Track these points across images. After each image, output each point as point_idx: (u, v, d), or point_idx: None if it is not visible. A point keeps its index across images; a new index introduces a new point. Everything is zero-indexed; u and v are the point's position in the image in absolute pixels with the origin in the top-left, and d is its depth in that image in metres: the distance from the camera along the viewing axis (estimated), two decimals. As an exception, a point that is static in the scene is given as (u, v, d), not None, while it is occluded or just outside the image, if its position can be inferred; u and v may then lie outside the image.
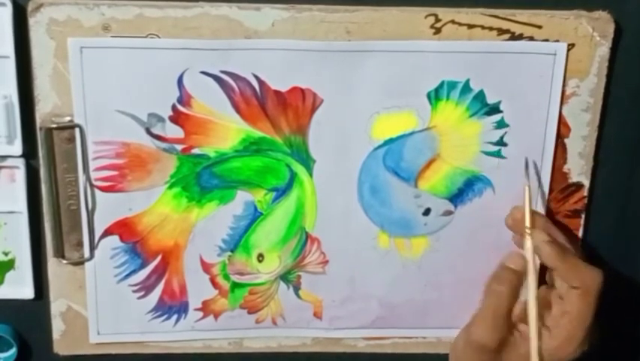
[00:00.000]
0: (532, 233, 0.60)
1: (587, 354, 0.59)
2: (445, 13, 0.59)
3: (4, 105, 0.59)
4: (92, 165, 0.61)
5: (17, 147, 0.60)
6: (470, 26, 0.60)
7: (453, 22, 0.59)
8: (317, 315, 0.67)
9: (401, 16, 0.59)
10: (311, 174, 0.63)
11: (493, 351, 0.59)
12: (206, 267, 0.65)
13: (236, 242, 0.64)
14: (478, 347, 0.59)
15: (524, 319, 0.60)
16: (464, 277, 0.66)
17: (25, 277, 0.64)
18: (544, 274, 0.62)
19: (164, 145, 0.61)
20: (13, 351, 0.67)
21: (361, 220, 0.64)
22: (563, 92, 0.62)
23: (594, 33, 0.60)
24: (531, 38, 0.60)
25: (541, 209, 0.64)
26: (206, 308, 0.66)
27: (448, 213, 0.64)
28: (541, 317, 0.59)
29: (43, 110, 0.60)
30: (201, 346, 0.68)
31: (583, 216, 0.65)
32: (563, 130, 0.63)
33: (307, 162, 0.63)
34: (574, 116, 0.62)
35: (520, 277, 0.59)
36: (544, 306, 0.60)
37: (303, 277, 0.66)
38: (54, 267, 0.64)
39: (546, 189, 0.64)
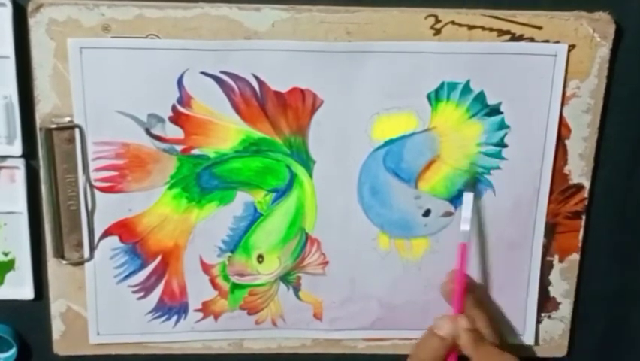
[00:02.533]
0: (456, 318, 0.61)
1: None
2: (445, 14, 0.59)
3: (4, 105, 0.59)
4: (92, 165, 0.61)
5: (17, 148, 0.60)
6: (470, 27, 0.60)
7: (453, 22, 0.59)
8: (317, 316, 0.67)
9: (401, 17, 0.59)
10: (311, 175, 0.63)
11: None
12: (206, 268, 0.65)
13: (236, 243, 0.64)
14: None
15: None
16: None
17: (25, 277, 0.64)
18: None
19: (164, 146, 0.61)
20: (13, 351, 0.66)
21: (361, 221, 0.64)
22: (564, 93, 0.62)
23: (594, 34, 0.60)
24: (531, 39, 0.60)
25: (542, 211, 0.64)
26: (206, 309, 0.66)
27: (448, 214, 0.64)
28: None
29: (43, 110, 0.60)
30: (201, 347, 0.67)
31: (583, 217, 0.65)
32: (563, 131, 0.63)
33: (307, 163, 0.63)
34: (574, 117, 0.62)
35: (445, 344, 0.60)
36: None
37: (303, 278, 0.66)
38: (54, 267, 0.64)
39: (547, 190, 0.64)
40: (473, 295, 0.63)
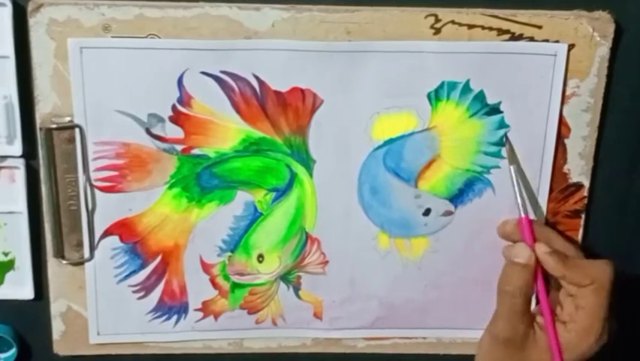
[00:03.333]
0: (532, 245, 0.60)
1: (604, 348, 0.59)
2: (445, 14, 0.59)
3: (4, 105, 0.59)
4: (92, 165, 0.61)
5: (17, 148, 0.60)
6: (470, 26, 0.60)
7: (453, 22, 0.59)
8: (317, 315, 0.67)
9: (401, 17, 0.59)
10: (311, 175, 0.63)
11: (518, 344, 0.59)
12: (206, 267, 0.65)
13: (237, 242, 0.64)
14: (503, 342, 0.59)
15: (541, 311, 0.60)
16: (464, 278, 0.66)
17: (25, 277, 0.64)
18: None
19: (164, 145, 0.61)
20: (13, 351, 0.66)
21: (361, 221, 0.64)
22: (563, 92, 0.62)
23: (594, 33, 0.60)
24: (531, 39, 0.60)
25: (542, 209, 0.64)
26: (206, 309, 0.66)
27: (449, 213, 0.64)
28: (554, 313, 0.60)
29: (43, 110, 0.60)
30: (201, 346, 0.67)
31: (583, 216, 0.65)
32: (563, 130, 0.63)
33: (307, 163, 0.63)
34: (574, 116, 0.62)
35: (529, 270, 0.59)
36: (555, 303, 0.60)
37: (303, 278, 0.66)
38: (54, 267, 0.64)
39: (546, 189, 0.64)
40: (540, 226, 0.62)
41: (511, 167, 0.62)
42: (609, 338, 0.59)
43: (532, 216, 0.64)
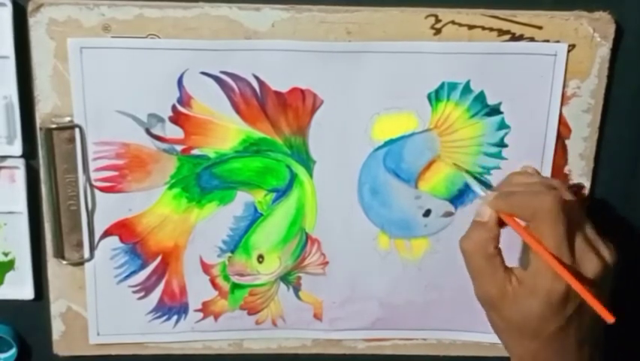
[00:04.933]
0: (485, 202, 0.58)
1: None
2: (446, 14, 0.59)
3: (4, 105, 0.59)
4: (92, 165, 0.61)
5: (17, 148, 0.61)
6: (470, 27, 0.60)
7: (453, 22, 0.59)
8: (317, 316, 0.67)
9: (401, 17, 0.59)
10: (311, 175, 0.63)
11: (496, 303, 0.56)
12: (206, 268, 0.65)
13: (237, 243, 0.64)
14: (483, 303, 0.57)
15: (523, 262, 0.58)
16: (464, 279, 0.65)
17: (25, 277, 0.64)
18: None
19: (164, 146, 0.61)
20: (13, 352, 0.67)
21: (361, 221, 0.64)
22: (564, 93, 0.62)
23: (595, 34, 0.60)
24: (531, 39, 0.60)
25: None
26: (206, 309, 0.66)
27: (449, 214, 0.64)
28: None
29: (43, 110, 0.60)
30: (201, 347, 0.67)
31: (584, 217, 0.65)
32: (563, 131, 0.63)
33: (307, 163, 0.63)
34: (574, 117, 0.62)
35: (485, 227, 0.57)
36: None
37: (303, 279, 0.66)
38: (54, 267, 0.64)
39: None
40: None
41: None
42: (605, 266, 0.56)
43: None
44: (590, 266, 0.55)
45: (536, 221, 0.55)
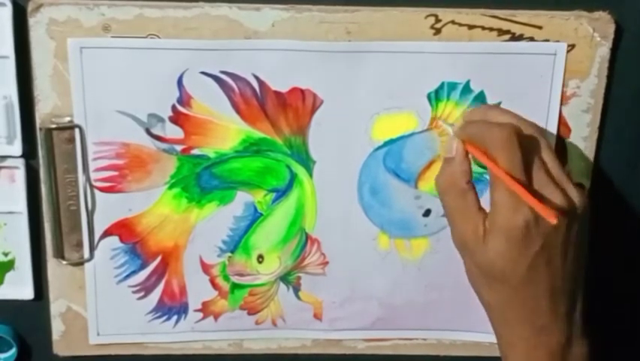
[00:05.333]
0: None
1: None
2: (446, 14, 0.59)
3: (4, 105, 0.59)
4: (92, 165, 0.61)
5: (17, 148, 0.60)
6: (470, 27, 0.60)
7: (453, 22, 0.59)
8: (317, 316, 0.67)
9: (401, 17, 0.59)
10: (311, 175, 0.63)
11: (471, 248, 0.56)
12: (206, 268, 0.65)
13: (236, 243, 0.64)
14: (457, 245, 0.57)
15: None
16: (464, 279, 0.65)
17: (25, 277, 0.64)
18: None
19: (163, 146, 0.61)
20: (12, 352, 0.66)
21: (361, 221, 0.64)
22: (564, 92, 0.62)
23: (594, 33, 0.60)
24: (531, 39, 0.60)
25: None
26: (206, 309, 0.66)
27: (449, 214, 0.64)
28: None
29: (43, 110, 0.60)
30: (201, 347, 0.67)
31: (583, 217, 0.65)
32: (563, 131, 0.63)
33: (307, 163, 0.63)
34: (574, 116, 0.62)
35: (459, 160, 0.56)
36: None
37: (303, 279, 0.66)
38: (54, 267, 0.64)
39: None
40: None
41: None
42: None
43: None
44: (554, 200, 0.54)
45: (491, 150, 0.54)
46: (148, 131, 0.61)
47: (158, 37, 0.59)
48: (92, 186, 0.62)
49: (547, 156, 0.57)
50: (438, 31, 0.60)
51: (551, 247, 0.54)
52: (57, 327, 0.65)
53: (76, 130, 0.60)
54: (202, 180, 0.62)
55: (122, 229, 0.63)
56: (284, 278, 0.66)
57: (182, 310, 0.66)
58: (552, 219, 0.51)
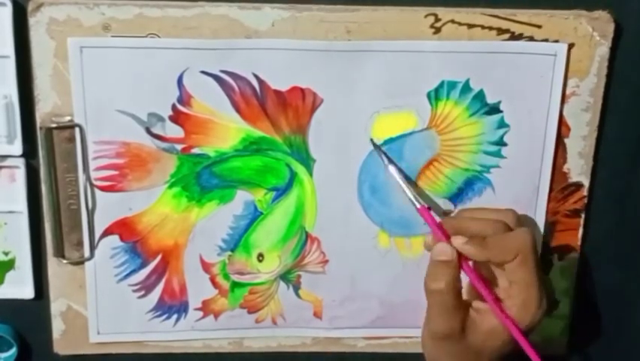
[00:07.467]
0: (448, 240, 0.59)
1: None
2: (445, 13, 0.59)
3: (4, 105, 0.59)
4: (92, 164, 0.61)
5: (17, 147, 0.60)
6: (470, 26, 0.60)
7: (453, 21, 0.60)
8: (317, 315, 0.67)
9: (401, 16, 0.59)
10: (311, 174, 0.63)
11: (457, 336, 0.58)
12: (206, 266, 0.65)
13: (236, 242, 0.64)
14: (442, 337, 0.58)
15: (476, 295, 0.59)
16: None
17: (25, 277, 0.64)
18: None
19: (164, 145, 0.61)
20: (13, 351, 0.67)
21: (361, 220, 0.64)
22: (563, 91, 0.62)
23: (594, 33, 0.60)
24: (531, 38, 0.60)
25: (541, 209, 0.64)
26: (206, 308, 0.66)
27: (448, 212, 0.64)
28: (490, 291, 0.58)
29: (43, 110, 0.60)
30: (201, 345, 0.68)
31: (583, 215, 0.65)
32: (563, 130, 0.63)
33: (307, 162, 0.63)
34: (574, 115, 0.62)
35: (453, 265, 0.58)
36: (489, 284, 0.59)
37: (303, 277, 0.66)
38: (54, 267, 0.64)
39: (546, 188, 0.64)
40: (450, 220, 0.61)
41: (390, 167, 0.62)
42: (549, 304, 0.58)
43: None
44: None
45: (517, 261, 0.57)
46: (148, 131, 0.61)
47: (158, 36, 0.59)
48: (92, 185, 0.62)
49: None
50: (437, 31, 0.60)
51: None
52: (57, 326, 0.66)
53: (77, 129, 0.60)
54: (202, 179, 0.63)
55: (123, 228, 0.63)
56: (284, 277, 0.66)
57: (182, 308, 0.66)
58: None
